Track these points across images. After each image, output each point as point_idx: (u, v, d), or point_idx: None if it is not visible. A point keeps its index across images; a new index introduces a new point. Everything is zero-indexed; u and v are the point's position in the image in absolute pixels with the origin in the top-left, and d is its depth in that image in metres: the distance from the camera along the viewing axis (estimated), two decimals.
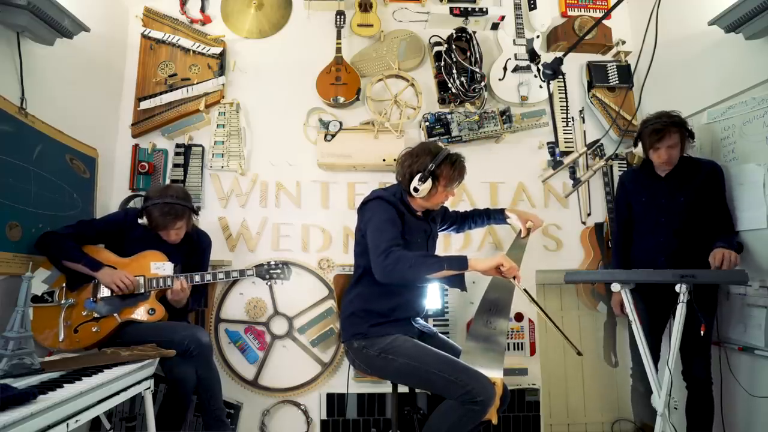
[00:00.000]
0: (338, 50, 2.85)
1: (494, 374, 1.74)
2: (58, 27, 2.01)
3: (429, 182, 1.88)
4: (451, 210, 2.35)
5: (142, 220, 2.17)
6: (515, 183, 2.88)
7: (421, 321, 2.08)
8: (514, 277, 1.79)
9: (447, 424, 1.69)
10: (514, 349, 2.70)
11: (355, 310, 1.92)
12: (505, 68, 2.91)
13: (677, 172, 2.23)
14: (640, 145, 2.26)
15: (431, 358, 1.77)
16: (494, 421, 1.69)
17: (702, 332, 1.94)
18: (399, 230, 1.85)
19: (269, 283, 2.37)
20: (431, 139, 2.78)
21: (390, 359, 1.80)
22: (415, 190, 1.89)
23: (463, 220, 2.33)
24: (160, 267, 2.15)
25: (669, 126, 2.14)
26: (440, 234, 2.28)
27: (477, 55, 2.86)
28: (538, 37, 2.95)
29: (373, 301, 1.90)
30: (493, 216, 2.33)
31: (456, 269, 1.74)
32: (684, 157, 2.24)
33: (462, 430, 1.68)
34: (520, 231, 2.23)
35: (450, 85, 2.82)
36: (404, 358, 1.78)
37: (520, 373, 2.62)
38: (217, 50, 2.83)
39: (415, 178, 1.89)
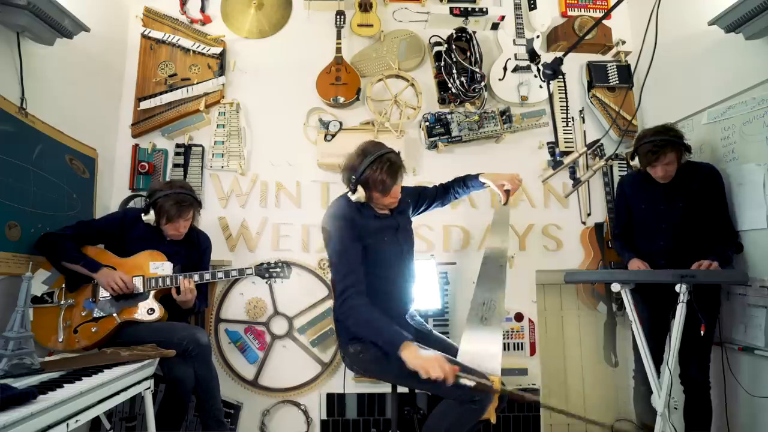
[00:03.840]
0: (338, 50, 2.85)
1: (492, 372, 1.72)
2: (58, 27, 2.01)
3: (361, 191, 1.81)
4: (431, 186, 2.25)
5: (148, 216, 2.15)
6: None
7: (417, 318, 2.06)
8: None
9: (446, 423, 1.68)
10: (514, 349, 2.70)
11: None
12: (505, 68, 2.91)
13: (675, 178, 2.23)
14: (637, 158, 2.25)
15: None
16: (493, 420, 1.68)
17: (702, 332, 1.94)
18: (356, 250, 1.80)
19: (269, 282, 2.36)
20: (431, 140, 2.78)
21: (387, 362, 1.78)
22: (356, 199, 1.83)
23: (446, 193, 2.22)
24: (159, 267, 2.15)
25: (664, 147, 2.13)
26: (431, 212, 2.21)
27: (477, 55, 2.86)
28: (538, 37, 2.95)
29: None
30: (470, 183, 2.19)
31: (388, 349, 1.66)
32: (682, 163, 2.24)
33: (461, 429, 1.68)
34: (501, 199, 2.11)
35: (450, 85, 2.83)
36: (400, 360, 1.76)
37: (520, 373, 2.62)
38: (217, 50, 2.83)
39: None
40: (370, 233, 1.87)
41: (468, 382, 1.53)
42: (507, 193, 2.08)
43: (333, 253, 1.86)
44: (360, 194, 1.82)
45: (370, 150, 1.84)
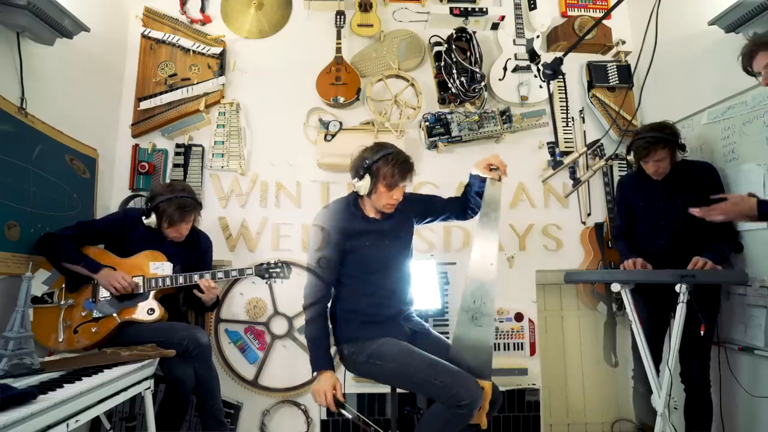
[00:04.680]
0: (338, 50, 2.85)
1: (483, 377, 1.71)
2: (58, 27, 2.01)
3: (367, 179, 1.82)
4: (443, 197, 2.15)
5: (149, 220, 2.15)
6: (515, 183, 2.88)
7: (415, 319, 2.03)
8: None
9: (434, 427, 1.68)
10: (514, 349, 2.70)
11: (339, 313, 1.90)
12: (505, 68, 2.91)
13: (673, 176, 2.23)
14: (632, 153, 2.26)
15: (417, 362, 1.73)
16: (483, 425, 1.68)
17: (702, 332, 1.94)
18: (332, 261, 1.85)
19: (269, 282, 2.35)
20: (431, 140, 2.78)
21: (378, 365, 1.79)
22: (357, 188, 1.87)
23: (462, 205, 2.07)
24: (159, 267, 2.14)
25: (655, 144, 2.14)
26: (441, 224, 2.17)
27: (477, 55, 2.86)
28: (538, 37, 2.95)
29: (351, 300, 1.89)
30: (471, 181, 2.04)
31: (312, 368, 1.79)
32: (679, 161, 2.24)
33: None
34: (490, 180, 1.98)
35: (450, 85, 2.82)
36: (391, 362, 1.77)
37: (520, 373, 2.61)
38: (217, 50, 2.83)
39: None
40: (351, 236, 1.87)
41: (348, 414, 1.75)
42: (494, 171, 1.96)
43: (310, 260, 1.90)
44: (365, 183, 1.82)
45: (388, 146, 1.88)
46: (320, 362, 1.77)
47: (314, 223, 1.93)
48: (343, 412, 1.72)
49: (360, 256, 1.88)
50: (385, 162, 1.81)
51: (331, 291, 1.88)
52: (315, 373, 1.76)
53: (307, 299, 1.85)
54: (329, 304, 1.91)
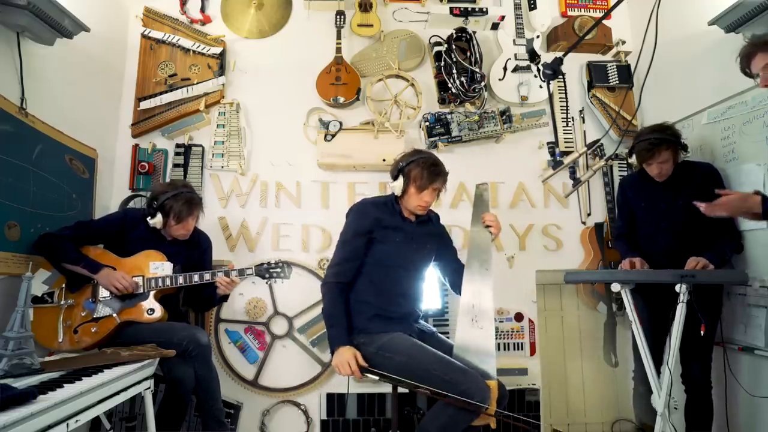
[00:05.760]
0: (338, 50, 2.85)
1: (487, 377, 1.73)
2: (58, 27, 2.01)
3: (400, 180, 1.97)
4: (455, 254, 2.19)
5: (155, 220, 2.14)
6: (515, 183, 2.88)
7: (421, 321, 2.10)
8: None
9: (441, 419, 1.70)
10: (514, 349, 2.70)
11: (353, 304, 1.95)
12: (505, 68, 2.91)
13: (674, 177, 2.23)
14: (635, 156, 2.27)
15: (428, 357, 1.77)
16: (493, 425, 1.70)
17: (702, 332, 1.94)
18: (357, 245, 1.95)
19: (269, 282, 2.35)
20: (431, 140, 2.78)
21: (387, 357, 1.81)
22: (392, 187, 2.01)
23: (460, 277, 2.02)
24: (159, 267, 2.14)
25: (659, 145, 2.14)
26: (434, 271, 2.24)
27: (477, 55, 2.86)
28: (538, 37, 2.95)
29: (366, 291, 1.95)
30: None
31: (330, 343, 1.89)
32: (680, 162, 2.24)
33: (455, 429, 1.69)
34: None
35: (450, 85, 2.82)
36: (401, 356, 1.80)
37: (520, 373, 2.62)
38: (217, 50, 2.83)
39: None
40: (384, 227, 1.96)
41: (376, 377, 1.79)
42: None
43: (339, 239, 2.02)
44: (399, 183, 1.98)
45: (423, 152, 2.05)
46: (340, 339, 1.85)
47: (352, 208, 2.04)
48: (370, 376, 1.79)
49: (387, 247, 1.96)
50: (416, 165, 1.96)
51: (349, 271, 1.95)
52: (335, 348, 1.84)
53: (329, 272, 1.97)
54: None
